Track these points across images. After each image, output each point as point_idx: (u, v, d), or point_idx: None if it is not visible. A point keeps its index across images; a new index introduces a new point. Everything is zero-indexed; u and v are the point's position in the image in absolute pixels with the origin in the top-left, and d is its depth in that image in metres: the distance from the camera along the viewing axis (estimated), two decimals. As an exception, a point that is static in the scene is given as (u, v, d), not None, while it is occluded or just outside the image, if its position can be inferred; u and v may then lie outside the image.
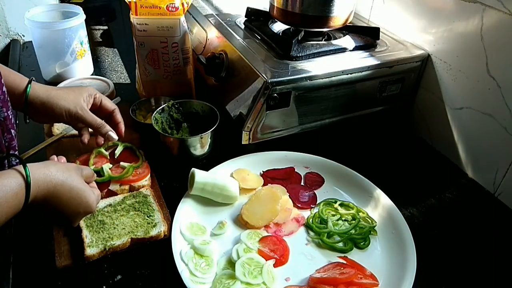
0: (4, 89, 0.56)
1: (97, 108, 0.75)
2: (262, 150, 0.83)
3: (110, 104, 0.77)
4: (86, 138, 0.74)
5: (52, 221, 0.64)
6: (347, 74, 0.81)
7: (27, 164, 0.52)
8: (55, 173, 0.54)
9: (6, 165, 0.57)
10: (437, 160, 0.89)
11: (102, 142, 0.77)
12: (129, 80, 1.11)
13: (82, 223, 0.64)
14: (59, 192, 0.54)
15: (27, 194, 0.50)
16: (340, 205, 0.73)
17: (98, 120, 0.71)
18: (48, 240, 0.64)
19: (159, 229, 0.65)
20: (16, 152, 0.59)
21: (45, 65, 1.06)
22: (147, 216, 0.67)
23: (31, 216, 0.69)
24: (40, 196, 0.52)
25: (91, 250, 0.61)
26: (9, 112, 0.56)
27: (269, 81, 0.74)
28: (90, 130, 0.75)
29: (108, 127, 0.72)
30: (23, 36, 1.30)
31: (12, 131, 0.58)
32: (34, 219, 0.69)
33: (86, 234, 0.63)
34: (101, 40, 1.35)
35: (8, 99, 0.57)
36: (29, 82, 0.67)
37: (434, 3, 0.85)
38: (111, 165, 0.75)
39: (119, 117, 0.77)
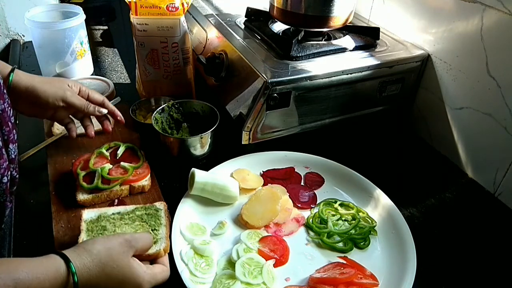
0: (0, 81, 0.55)
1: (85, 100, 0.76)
2: (262, 150, 0.83)
3: (98, 96, 0.77)
4: (74, 132, 0.76)
5: None
6: (347, 74, 0.81)
7: (65, 253, 0.49)
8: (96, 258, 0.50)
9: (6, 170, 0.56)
10: (437, 160, 0.89)
11: (110, 127, 0.79)
12: (129, 80, 1.11)
13: (83, 226, 0.63)
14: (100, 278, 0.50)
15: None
16: (340, 205, 0.73)
17: (85, 101, 0.74)
18: (48, 240, 0.64)
19: (159, 246, 0.59)
20: (15, 145, 0.59)
21: (45, 65, 1.06)
22: (152, 230, 0.63)
23: (31, 214, 0.69)
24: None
25: None
26: (5, 104, 0.55)
27: (269, 81, 0.74)
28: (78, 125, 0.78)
29: (93, 105, 0.75)
30: (23, 36, 1.30)
31: (10, 123, 0.57)
32: (34, 218, 0.69)
33: (83, 238, 0.61)
34: (101, 40, 1.35)
35: (5, 91, 0.56)
36: (12, 70, 0.68)
37: (434, 3, 0.85)
38: (111, 166, 0.75)
39: (110, 106, 0.79)
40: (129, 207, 0.67)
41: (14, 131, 0.58)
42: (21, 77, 0.68)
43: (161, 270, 0.56)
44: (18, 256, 0.61)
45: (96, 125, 0.88)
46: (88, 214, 0.65)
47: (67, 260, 0.48)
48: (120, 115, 0.80)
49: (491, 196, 0.80)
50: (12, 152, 0.58)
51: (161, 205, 0.68)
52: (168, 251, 0.61)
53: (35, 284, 0.45)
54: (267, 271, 0.60)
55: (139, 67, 0.94)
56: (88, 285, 0.49)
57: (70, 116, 0.77)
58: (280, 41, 0.87)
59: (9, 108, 0.57)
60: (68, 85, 0.73)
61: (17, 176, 0.60)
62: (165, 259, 0.59)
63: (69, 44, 1.02)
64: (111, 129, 0.79)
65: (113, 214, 0.66)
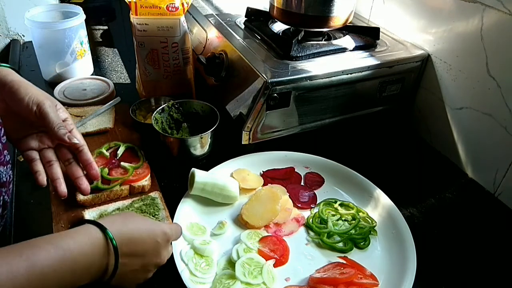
0: None
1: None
2: (262, 150, 0.83)
3: (79, 137, 0.62)
4: (43, 177, 0.61)
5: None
6: (347, 74, 0.81)
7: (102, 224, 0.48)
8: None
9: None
10: (437, 160, 0.89)
11: (88, 187, 0.63)
12: (129, 80, 1.11)
13: None
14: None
15: (116, 257, 0.48)
16: (340, 205, 0.73)
17: (60, 119, 0.60)
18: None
19: None
20: (8, 167, 0.53)
21: (45, 65, 1.06)
22: (152, 216, 0.67)
23: (31, 214, 0.69)
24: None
25: None
26: None
27: (269, 81, 0.74)
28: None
29: (66, 128, 0.60)
30: (23, 36, 1.30)
31: (0, 143, 0.53)
32: (34, 218, 0.69)
33: None
34: (101, 40, 1.35)
35: None
36: (9, 67, 0.60)
37: (434, 3, 0.85)
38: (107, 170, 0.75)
39: (88, 154, 0.63)
40: (127, 201, 0.71)
41: (6, 151, 0.53)
42: (14, 74, 0.59)
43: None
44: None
45: (95, 125, 0.89)
46: (89, 214, 0.67)
47: (101, 227, 0.48)
48: (97, 169, 0.63)
49: (491, 196, 0.80)
50: (4, 175, 0.53)
51: (155, 194, 0.72)
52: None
53: (78, 251, 0.45)
54: (267, 271, 0.60)
55: (139, 67, 0.94)
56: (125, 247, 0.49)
57: (37, 147, 0.62)
58: (280, 41, 0.87)
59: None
60: (56, 104, 0.61)
61: (8, 200, 0.55)
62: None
63: (69, 44, 1.02)
64: (89, 191, 0.63)
65: (113, 210, 0.68)
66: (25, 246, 0.42)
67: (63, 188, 0.60)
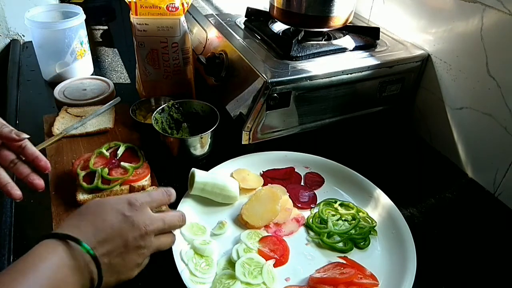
0: None
1: None
2: (262, 150, 0.83)
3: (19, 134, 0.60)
4: (15, 190, 0.59)
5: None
6: (347, 74, 0.81)
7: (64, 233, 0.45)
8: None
9: None
10: (437, 160, 0.89)
11: (41, 182, 0.60)
12: (129, 80, 1.11)
13: None
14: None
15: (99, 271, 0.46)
16: (340, 205, 0.73)
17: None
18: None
19: None
20: None
21: (45, 65, 1.06)
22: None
23: (31, 214, 0.69)
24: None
25: None
26: None
27: (269, 81, 0.74)
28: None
29: (9, 127, 0.58)
30: (23, 36, 1.30)
31: None
32: (34, 218, 0.69)
33: None
34: (101, 40, 1.35)
35: None
36: None
37: (434, 3, 0.85)
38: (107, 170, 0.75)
39: (32, 147, 0.60)
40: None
41: None
42: None
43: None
44: (18, 256, 0.61)
45: (95, 125, 0.89)
46: None
47: (55, 235, 0.46)
48: (45, 159, 0.61)
49: (491, 196, 0.80)
50: None
51: (153, 188, 0.73)
52: None
53: (55, 262, 0.44)
54: (267, 271, 0.60)
55: (139, 67, 0.94)
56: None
57: None
58: (280, 41, 0.87)
59: None
60: None
61: None
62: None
63: (69, 44, 1.02)
64: (43, 185, 0.61)
65: None
66: (6, 279, 0.41)
67: (15, 190, 0.58)
